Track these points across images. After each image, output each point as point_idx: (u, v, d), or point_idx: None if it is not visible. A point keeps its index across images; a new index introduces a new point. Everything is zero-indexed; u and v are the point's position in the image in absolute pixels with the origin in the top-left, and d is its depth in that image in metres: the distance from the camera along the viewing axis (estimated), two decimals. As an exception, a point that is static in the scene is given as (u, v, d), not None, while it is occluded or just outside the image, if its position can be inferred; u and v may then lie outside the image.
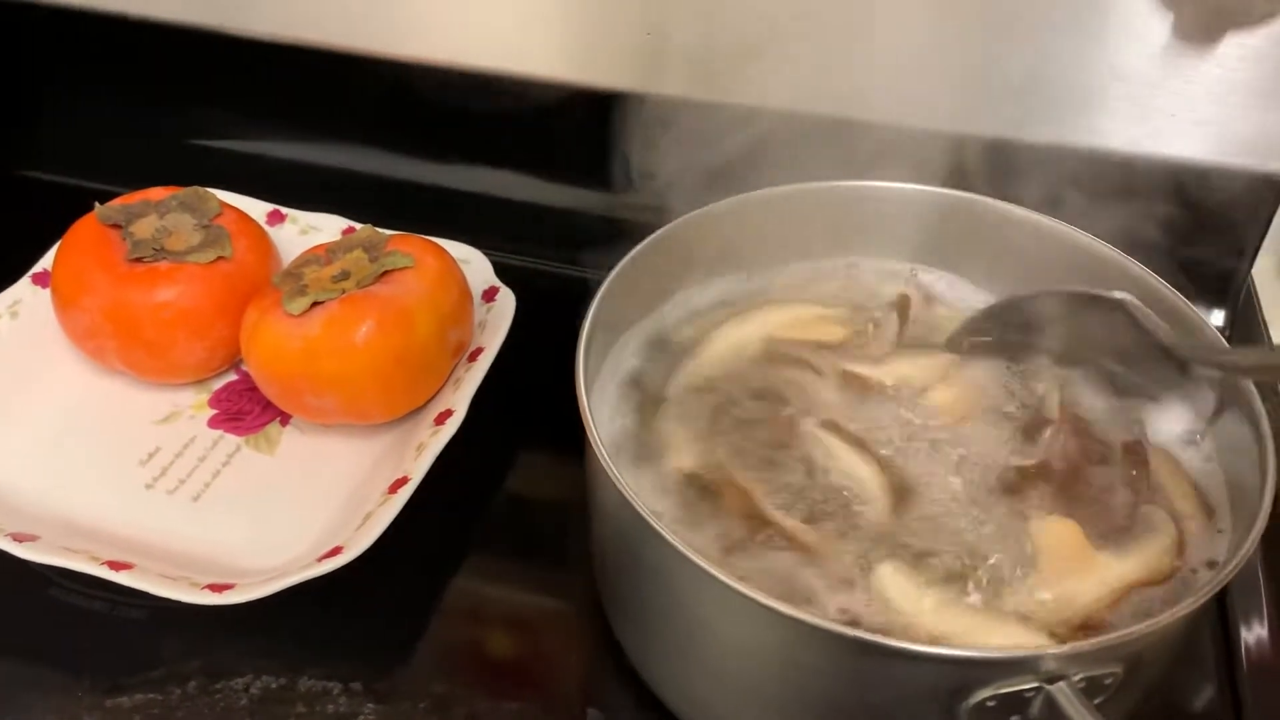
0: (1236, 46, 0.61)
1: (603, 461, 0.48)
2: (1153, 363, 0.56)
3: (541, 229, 0.81)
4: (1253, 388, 0.53)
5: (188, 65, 0.84)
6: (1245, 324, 0.76)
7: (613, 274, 0.56)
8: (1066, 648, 0.43)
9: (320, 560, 0.55)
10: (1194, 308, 0.57)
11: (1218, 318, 0.77)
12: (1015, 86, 0.65)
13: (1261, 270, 0.79)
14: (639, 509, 0.46)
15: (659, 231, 0.59)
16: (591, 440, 0.49)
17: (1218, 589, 0.44)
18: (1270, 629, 0.61)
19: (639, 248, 0.58)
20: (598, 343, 0.58)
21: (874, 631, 0.46)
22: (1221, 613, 0.61)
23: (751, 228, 0.63)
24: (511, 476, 0.67)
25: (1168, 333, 0.55)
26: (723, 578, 0.44)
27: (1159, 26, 0.61)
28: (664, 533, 0.45)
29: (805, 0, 0.65)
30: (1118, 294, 0.57)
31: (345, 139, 0.84)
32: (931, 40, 0.65)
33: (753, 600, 0.44)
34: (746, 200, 0.62)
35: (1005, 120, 0.66)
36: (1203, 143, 0.64)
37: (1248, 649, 0.60)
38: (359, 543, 0.56)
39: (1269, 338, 0.74)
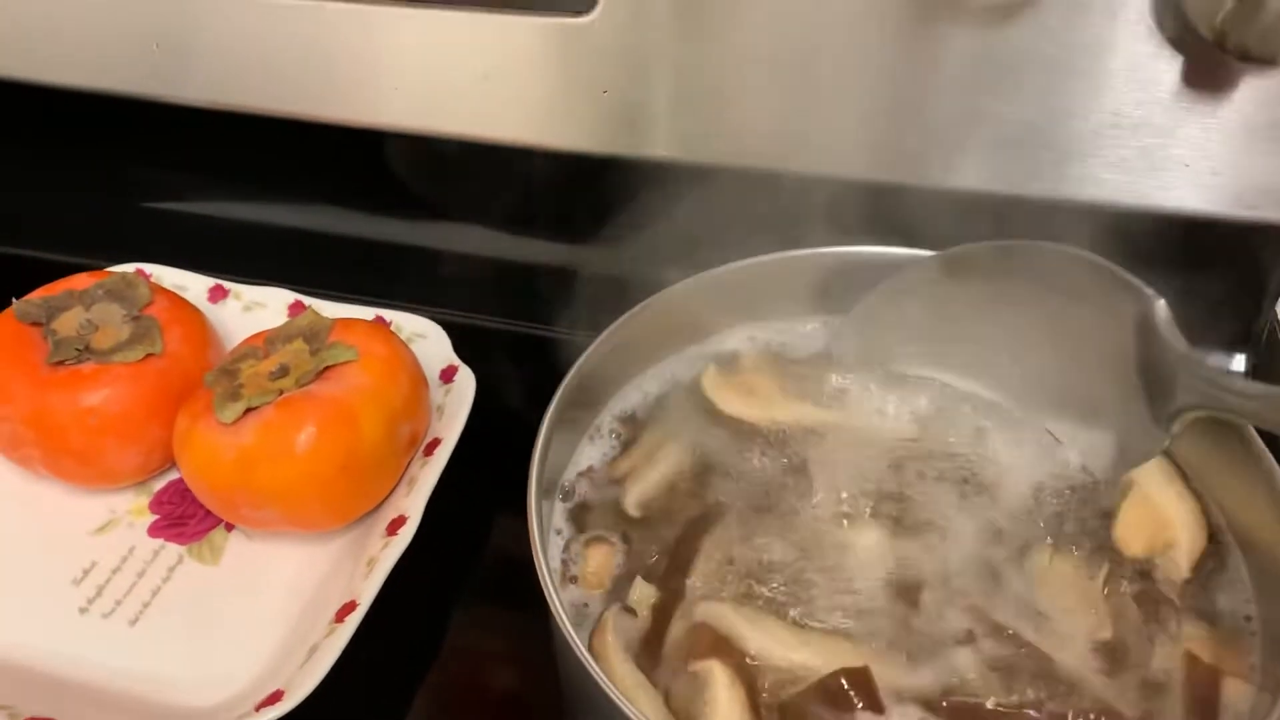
0: (1253, 90, 0.55)
1: (563, 628, 0.43)
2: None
3: (505, 287, 0.75)
4: None
5: (134, 131, 0.78)
6: (1268, 364, 0.71)
7: (555, 401, 0.52)
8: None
9: (259, 709, 0.50)
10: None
11: (1239, 362, 0.71)
12: (1011, 139, 0.59)
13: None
14: (606, 687, 0.41)
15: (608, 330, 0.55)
16: (552, 605, 0.44)
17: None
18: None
19: (588, 351, 0.53)
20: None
21: None
22: None
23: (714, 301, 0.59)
24: (475, 581, 0.62)
25: (1186, 354, 0.49)
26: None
27: (1168, 70, 0.55)
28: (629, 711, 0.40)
29: (784, 55, 0.59)
30: (1150, 291, 0.51)
31: (295, 200, 0.79)
32: (921, 93, 0.58)
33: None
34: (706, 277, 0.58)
35: (1003, 175, 0.60)
36: (1219, 193, 0.58)
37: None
38: (302, 686, 0.51)
39: (1293, 376, 0.69)
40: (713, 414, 0.57)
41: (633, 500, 0.52)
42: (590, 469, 0.55)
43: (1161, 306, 0.50)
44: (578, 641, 0.43)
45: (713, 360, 0.59)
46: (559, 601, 0.44)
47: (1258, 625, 0.48)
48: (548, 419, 0.51)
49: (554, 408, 0.51)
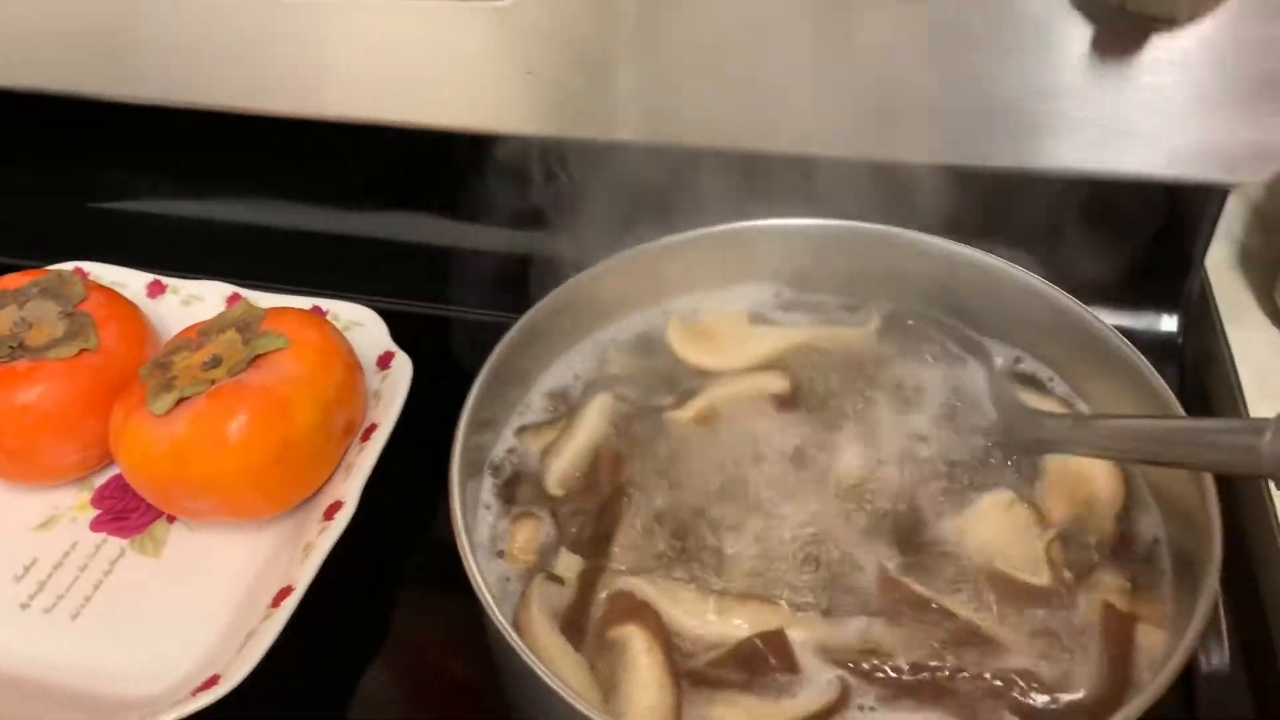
0: (1164, 52, 0.56)
1: (483, 600, 0.44)
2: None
3: (441, 273, 0.76)
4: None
5: (71, 128, 0.78)
6: (1198, 324, 0.72)
7: (483, 373, 0.52)
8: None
9: (195, 693, 0.51)
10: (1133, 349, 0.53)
11: (1170, 323, 0.72)
12: (928, 109, 0.59)
13: (1215, 262, 0.75)
14: (525, 656, 0.42)
15: (531, 312, 0.56)
16: (473, 579, 0.45)
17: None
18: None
19: (511, 332, 0.53)
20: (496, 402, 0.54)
21: None
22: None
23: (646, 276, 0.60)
24: (414, 562, 0.63)
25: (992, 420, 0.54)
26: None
27: (1080, 37, 0.56)
28: (554, 686, 0.41)
29: (704, 34, 0.59)
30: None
31: (235, 195, 0.79)
32: (836, 66, 0.59)
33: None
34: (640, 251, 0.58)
35: (920, 145, 0.60)
36: (1137, 155, 0.59)
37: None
38: (238, 670, 0.51)
39: (1223, 332, 0.69)
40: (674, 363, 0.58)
41: (553, 479, 0.53)
42: (516, 447, 0.55)
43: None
44: (497, 612, 0.43)
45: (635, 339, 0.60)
46: (480, 575, 0.45)
47: (1170, 573, 0.49)
48: (472, 396, 0.51)
49: (478, 386, 0.52)
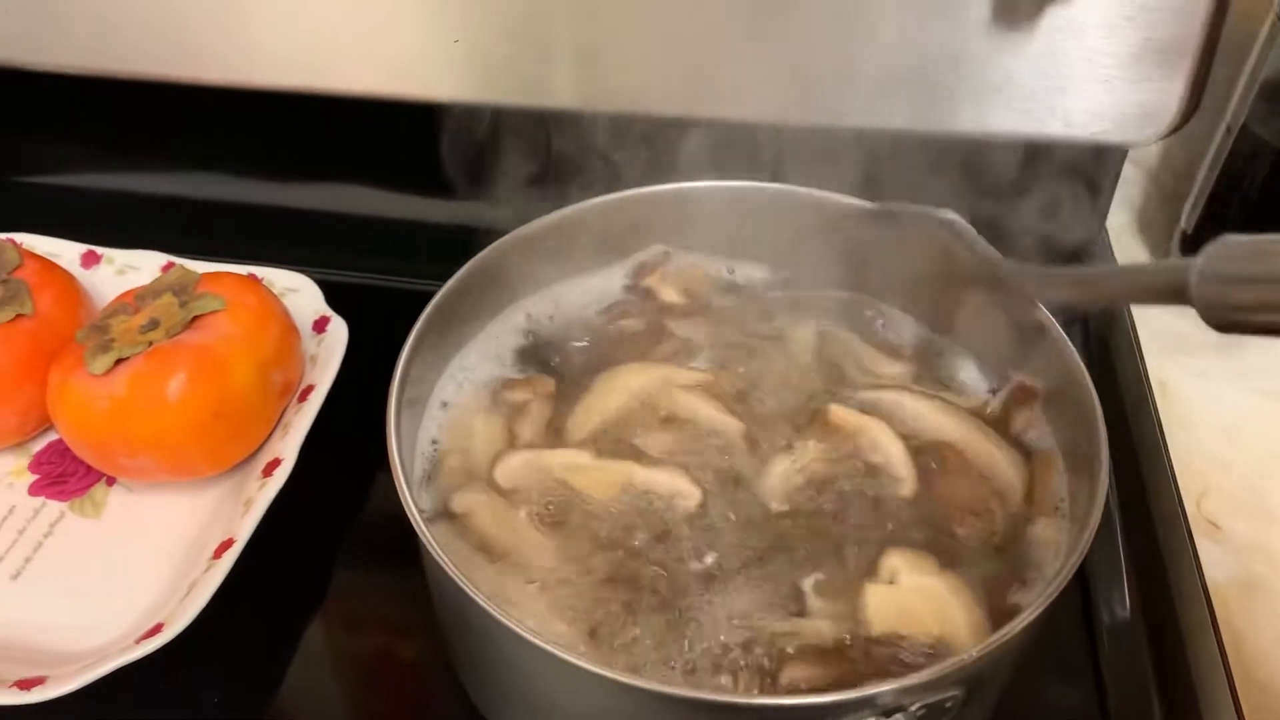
0: (1059, 19, 0.59)
1: (424, 540, 0.46)
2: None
3: (377, 243, 0.77)
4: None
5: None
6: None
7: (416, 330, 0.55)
8: (897, 684, 0.42)
9: (139, 641, 0.52)
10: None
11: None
12: (834, 74, 0.62)
13: (1117, 228, 0.79)
14: (463, 586, 0.44)
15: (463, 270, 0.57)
16: (412, 519, 0.47)
17: (1048, 603, 0.43)
18: (1132, 612, 0.61)
19: (442, 292, 0.56)
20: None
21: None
22: (1084, 592, 0.61)
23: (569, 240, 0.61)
24: (354, 522, 0.64)
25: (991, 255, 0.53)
26: (552, 650, 0.42)
27: (980, 4, 0.59)
28: (492, 611, 0.43)
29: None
30: (946, 213, 0.54)
31: (167, 167, 0.79)
32: (738, 32, 0.62)
33: (578, 667, 0.42)
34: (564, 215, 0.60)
35: (826, 109, 0.63)
36: (1034, 117, 0.62)
37: (1110, 633, 0.59)
38: (180, 618, 0.53)
39: (1126, 296, 0.73)
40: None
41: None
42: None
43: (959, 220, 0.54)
44: (425, 528, 0.45)
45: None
46: (410, 493, 0.47)
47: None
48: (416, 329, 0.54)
49: (420, 324, 0.54)
